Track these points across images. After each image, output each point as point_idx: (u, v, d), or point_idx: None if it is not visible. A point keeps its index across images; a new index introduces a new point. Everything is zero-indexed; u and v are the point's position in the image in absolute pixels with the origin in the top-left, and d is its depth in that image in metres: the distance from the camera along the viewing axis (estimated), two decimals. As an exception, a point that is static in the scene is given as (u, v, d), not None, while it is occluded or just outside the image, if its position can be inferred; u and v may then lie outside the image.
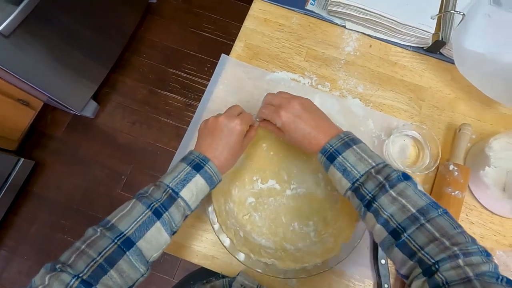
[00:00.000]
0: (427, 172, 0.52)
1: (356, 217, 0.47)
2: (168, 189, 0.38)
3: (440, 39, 0.58)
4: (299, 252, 0.49)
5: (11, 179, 1.20)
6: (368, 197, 0.37)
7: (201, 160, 0.41)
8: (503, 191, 0.51)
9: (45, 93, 1.12)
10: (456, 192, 0.50)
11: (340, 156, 0.39)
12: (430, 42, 0.60)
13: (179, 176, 0.39)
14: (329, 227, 0.50)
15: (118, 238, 0.34)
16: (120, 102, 1.44)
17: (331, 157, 0.40)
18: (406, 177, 0.37)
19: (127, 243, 0.34)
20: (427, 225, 0.33)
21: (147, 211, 0.36)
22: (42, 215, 1.30)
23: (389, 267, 0.49)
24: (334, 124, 0.44)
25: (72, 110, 1.28)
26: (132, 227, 0.35)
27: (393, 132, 0.54)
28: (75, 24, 1.13)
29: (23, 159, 1.23)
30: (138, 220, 0.36)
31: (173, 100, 1.45)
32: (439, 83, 0.61)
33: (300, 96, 0.45)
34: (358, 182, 0.38)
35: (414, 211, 0.34)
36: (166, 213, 0.37)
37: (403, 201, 0.35)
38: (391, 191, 0.35)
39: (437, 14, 0.58)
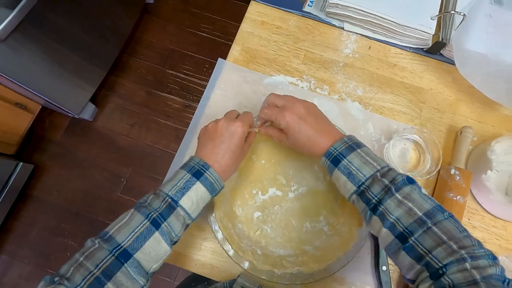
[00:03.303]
0: (428, 176, 0.51)
1: None
2: (167, 197, 0.38)
3: (440, 40, 0.57)
4: (319, 250, 0.48)
5: (10, 183, 1.20)
6: (374, 200, 0.37)
7: (201, 167, 0.40)
8: (505, 195, 0.51)
9: (42, 96, 1.11)
10: (458, 197, 0.49)
11: (345, 160, 0.39)
12: (430, 43, 0.59)
13: (178, 184, 0.39)
14: (340, 217, 0.50)
15: (115, 250, 0.34)
16: (118, 104, 1.43)
17: (335, 160, 0.39)
18: (410, 180, 0.37)
19: (125, 255, 0.34)
20: (434, 228, 0.33)
21: (145, 221, 0.36)
22: (42, 219, 1.30)
23: (390, 274, 0.48)
24: (337, 129, 0.44)
25: (70, 113, 1.27)
26: (130, 239, 0.35)
27: (394, 136, 0.53)
28: (72, 27, 1.12)
29: (22, 163, 1.23)
30: (136, 231, 0.35)
31: (171, 102, 1.44)
32: (440, 84, 0.60)
33: (304, 100, 0.45)
34: (363, 186, 0.38)
35: (420, 214, 0.34)
36: (165, 223, 0.36)
37: (410, 204, 0.34)
38: (397, 194, 0.35)
39: (437, 15, 0.56)
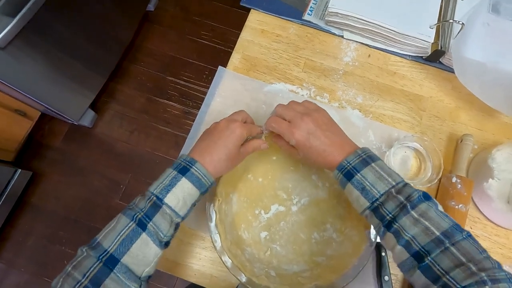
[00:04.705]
0: (430, 185, 0.51)
1: None
2: (152, 196, 0.37)
3: (439, 48, 0.58)
4: (332, 260, 0.47)
5: (8, 190, 1.19)
6: (388, 217, 0.36)
7: (187, 163, 0.39)
8: (507, 203, 0.50)
9: (42, 103, 1.11)
10: (460, 206, 0.48)
11: (358, 174, 0.38)
12: (429, 51, 0.59)
13: (164, 182, 0.38)
14: (346, 221, 0.49)
15: (102, 256, 0.33)
16: (118, 111, 1.43)
17: (348, 174, 0.38)
18: (427, 197, 0.36)
19: (112, 261, 0.33)
20: (452, 248, 0.32)
21: (131, 223, 0.35)
22: (40, 227, 1.28)
23: (392, 284, 0.48)
24: (349, 139, 0.43)
25: (70, 120, 1.27)
26: (116, 243, 0.34)
27: (394, 144, 0.53)
28: (72, 34, 1.13)
29: (20, 170, 1.22)
30: (121, 234, 0.34)
31: (171, 108, 1.44)
32: (440, 92, 0.60)
33: (313, 109, 0.44)
34: (377, 202, 0.37)
35: (438, 233, 0.33)
36: (151, 223, 0.35)
37: (426, 223, 0.33)
38: (412, 212, 0.34)
39: (436, 24, 0.57)
